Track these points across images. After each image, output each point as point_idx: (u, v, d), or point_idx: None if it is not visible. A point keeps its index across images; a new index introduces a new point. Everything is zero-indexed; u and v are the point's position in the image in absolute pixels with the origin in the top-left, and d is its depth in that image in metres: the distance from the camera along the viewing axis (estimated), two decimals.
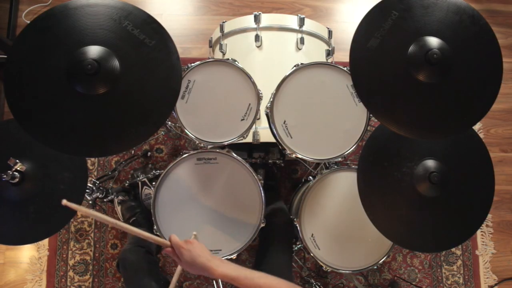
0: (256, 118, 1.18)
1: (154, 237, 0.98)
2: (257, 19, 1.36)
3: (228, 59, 1.18)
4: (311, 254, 1.26)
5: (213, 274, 0.91)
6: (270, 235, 1.35)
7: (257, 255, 1.42)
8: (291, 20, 1.39)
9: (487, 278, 1.87)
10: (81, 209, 0.96)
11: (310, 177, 1.30)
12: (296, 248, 1.54)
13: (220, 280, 1.56)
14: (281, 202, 1.51)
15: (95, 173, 1.82)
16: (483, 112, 0.95)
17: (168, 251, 0.98)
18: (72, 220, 1.75)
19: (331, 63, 1.18)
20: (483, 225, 1.91)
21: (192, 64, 1.16)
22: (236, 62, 1.17)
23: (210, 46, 1.61)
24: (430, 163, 1.06)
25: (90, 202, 1.59)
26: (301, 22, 1.38)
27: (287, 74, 1.16)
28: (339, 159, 1.20)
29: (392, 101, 0.95)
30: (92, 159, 1.81)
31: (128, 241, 1.57)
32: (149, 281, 1.22)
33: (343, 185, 1.29)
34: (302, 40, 1.36)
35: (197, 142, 1.19)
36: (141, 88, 0.93)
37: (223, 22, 1.45)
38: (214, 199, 1.22)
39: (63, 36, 0.90)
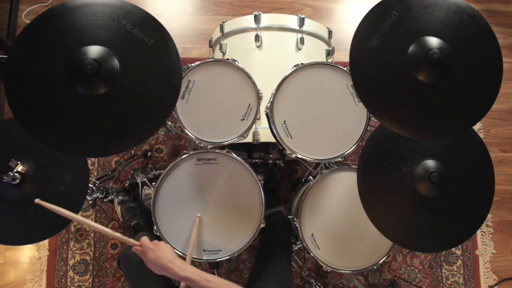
0: (256, 118, 1.18)
1: (123, 237, 1.06)
2: (257, 19, 1.36)
3: (228, 59, 1.18)
4: (311, 254, 1.26)
5: (174, 275, 0.97)
6: (269, 235, 1.35)
7: (257, 255, 1.42)
8: (291, 20, 1.39)
9: (487, 278, 1.87)
10: (53, 208, 1.00)
11: (310, 177, 1.30)
12: (296, 248, 1.54)
13: None
14: (281, 205, 1.52)
15: (95, 173, 1.82)
16: (483, 112, 0.95)
17: (136, 250, 1.06)
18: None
19: (331, 63, 1.18)
20: (483, 225, 1.91)
21: (192, 64, 1.16)
22: (236, 62, 1.17)
23: (210, 46, 1.61)
24: (430, 163, 1.06)
25: (90, 202, 1.59)
26: (301, 22, 1.38)
27: (287, 74, 1.16)
28: (339, 159, 1.20)
29: (392, 101, 0.95)
30: (92, 159, 1.81)
31: None
32: (149, 275, 1.22)
33: (343, 185, 1.29)
34: (302, 40, 1.36)
35: (197, 142, 1.19)
36: (141, 87, 0.92)
37: (223, 22, 1.45)
38: (214, 199, 1.22)
39: (62, 36, 0.90)
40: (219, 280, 0.97)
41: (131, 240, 1.06)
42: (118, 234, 1.06)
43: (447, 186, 1.05)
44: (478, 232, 1.91)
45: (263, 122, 1.29)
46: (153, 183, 1.21)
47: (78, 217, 1.02)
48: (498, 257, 1.90)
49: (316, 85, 1.18)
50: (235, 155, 1.21)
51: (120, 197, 1.66)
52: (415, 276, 1.84)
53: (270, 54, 1.38)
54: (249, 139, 1.25)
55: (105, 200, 1.65)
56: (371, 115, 1.16)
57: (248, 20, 1.39)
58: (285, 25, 1.39)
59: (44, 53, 0.90)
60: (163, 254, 0.99)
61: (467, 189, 1.09)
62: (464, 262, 1.87)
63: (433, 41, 0.92)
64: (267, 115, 1.19)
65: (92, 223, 1.05)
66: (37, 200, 0.99)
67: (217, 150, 1.21)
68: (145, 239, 1.05)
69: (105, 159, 1.84)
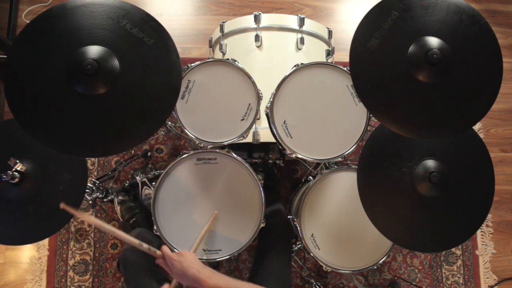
0: (256, 118, 1.18)
1: (146, 247, 1.02)
2: (257, 19, 1.36)
3: (228, 59, 1.18)
4: (311, 254, 1.26)
5: (204, 285, 0.94)
6: (269, 235, 1.34)
7: (256, 255, 1.41)
8: (291, 20, 1.39)
9: (487, 278, 1.87)
10: (79, 214, 0.98)
11: (310, 177, 1.30)
12: (296, 248, 1.54)
13: None
14: (280, 204, 1.52)
15: (95, 173, 1.82)
16: (483, 112, 0.95)
17: (159, 262, 1.03)
18: (72, 220, 1.76)
19: (331, 63, 1.18)
20: (483, 225, 1.91)
21: (192, 64, 1.16)
22: (236, 62, 1.17)
23: (210, 46, 1.61)
24: (430, 163, 1.06)
25: (90, 202, 1.59)
26: (301, 22, 1.38)
27: (287, 74, 1.16)
28: (339, 159, 1.20)
29: (392, 101, 0.95)
30: (92, 159, 1.82)
31: None
32: (150, 281, 1.21)
33: (343, 185, 1.29)
34: (302, 40, 1.36)
35: (197, 142, 1.19)
36: (141, 87, 0.92)
37: (223, 22, 1.45)
38: (214, 199, 1.22)
39: (62, 36, 0.90)
40: (248, 286, 0.95)
41: (152, 250, 1.03)
42: (145, 245, 1.02)
43: (447, 186, 1.05)
44: (478, 232, 1.91)
45: (263, 122, 1.29)
46: (153, 183, 1.21)
47: (106, 226, 1.00)
48: (498, 257, 1.90)
49: (316, 85, 1.18)
50: (235, 155, 1.21)
51: (120, 197, 1.66)
52: (415, 276, 1.84)
53: (270, 54, 1.38)
54: (249, 139, 1.25)
55: (105, 200, 1.65)
56: (371, 115, 1.16)
57: (248, 20, 1.39)
58: (285, 25, 1.38)
59: (44, 53, 0.90)
60: (189, 264, 0.96)
61: (467, 189, 1.09)
62: (464, 262, 1.87)
63: (433, 41, 0.92)
64: (267, 115, 1.19)
65: (118, 232, 1.02)
66: (62, 205, 0.97)
67: (217, 150, 1.21)
68: (166, 249, 1.02)
69: (105, 159, 1.84)
